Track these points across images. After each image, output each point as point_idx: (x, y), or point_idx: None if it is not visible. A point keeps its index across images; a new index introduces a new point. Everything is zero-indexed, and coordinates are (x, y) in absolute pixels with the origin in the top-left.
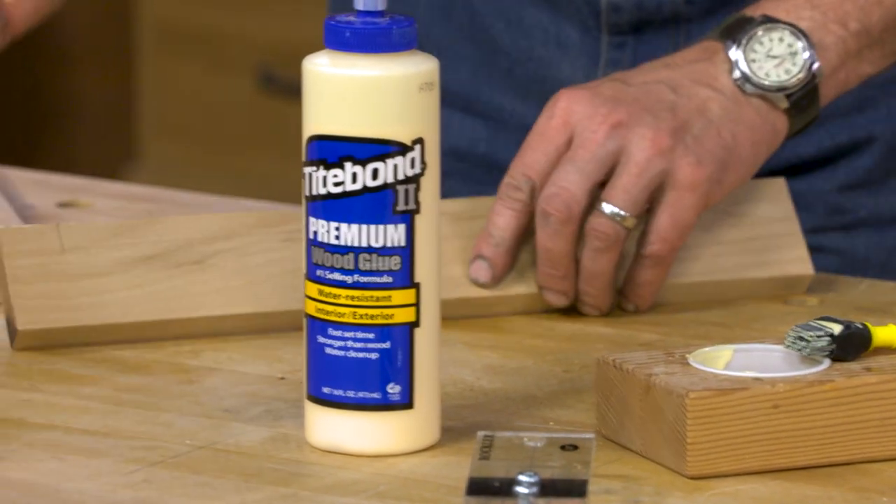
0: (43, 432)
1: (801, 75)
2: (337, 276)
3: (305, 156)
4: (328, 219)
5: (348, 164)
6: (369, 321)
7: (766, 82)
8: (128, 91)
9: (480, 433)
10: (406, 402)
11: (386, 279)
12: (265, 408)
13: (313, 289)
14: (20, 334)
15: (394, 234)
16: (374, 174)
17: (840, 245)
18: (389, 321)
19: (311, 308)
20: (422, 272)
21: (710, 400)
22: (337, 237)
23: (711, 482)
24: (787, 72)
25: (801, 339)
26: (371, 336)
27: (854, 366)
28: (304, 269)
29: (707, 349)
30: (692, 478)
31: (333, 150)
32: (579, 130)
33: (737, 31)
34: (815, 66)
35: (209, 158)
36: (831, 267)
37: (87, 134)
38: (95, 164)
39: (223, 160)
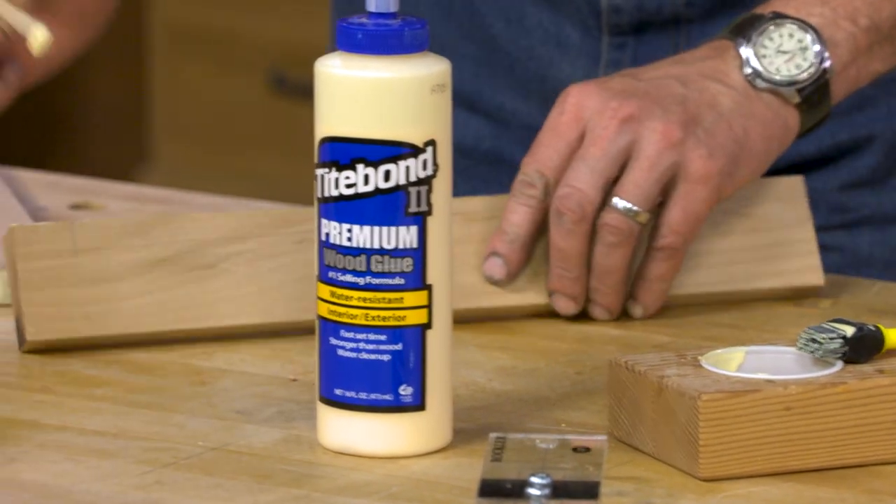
0: (55, 434)
1: (811, 70)
2: (349, 278)
3: (317, 157)
4: (340, 220)
5: (360, 166)
6: (381, 323)
7: (777, 77)
8: (140, 93)
9: (492, 435)
10: (418, 404)
11: (398, 281)
12: (277, 409)
13: (325, 290)
14: (29, 343)
15: (406, 236)
16: (387, 176)
17: (843, 243)
18: (401, 323)
19: (324, 310)
20: (434, 274)
21: (722, 402)
22: (349, 239)
23: (723, 484)
24: (797, 66)
25: (814, 341)
26: (383, 338)
27: (867, 368)
28: (315, 272)
29: (719, 351)
30: (704, 480)
31: (346, 152)
32: (591, 126)
33: (746, 29)
34: (827, 61)
35: (221, 160)
36: (834, 265)
37: (99, 136)
38: (108, 166)
39: (235, 162)
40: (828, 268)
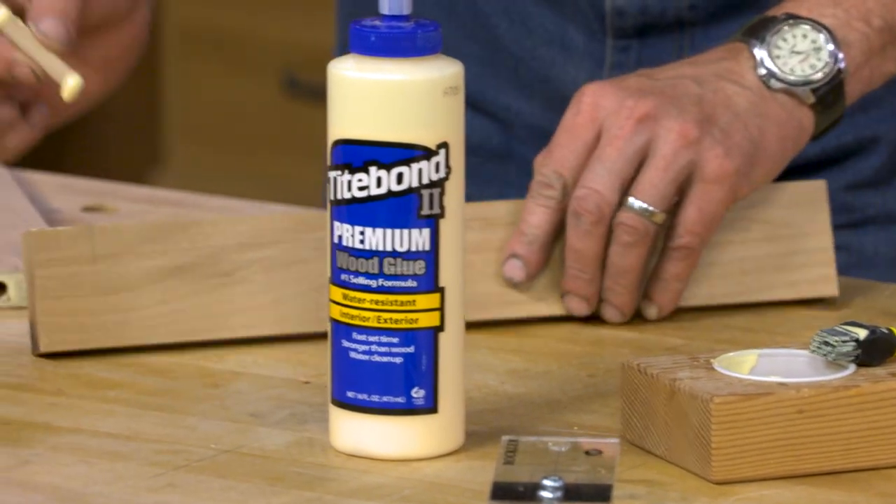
0: (68, 436)
1: (826, 69)
2: (361, 281)
3: (330, 160)
4: (353, 223)
5: (373, 169)
6: (394, 325)
7: (792, 77)
8: (153, 95)
9: (505, 438)
10: (430, 407)
11: (410, 283)
12: (290, 412)
13: (338, 293)
14: (42, 351)
15: (418, 239)
16: (399, 178)
17: (849, 242)
18: (414, 325)
19: (336, 312)
20: (446, 276)
21: (734, 405)
22: (361, 241)
23: (736, 487)
24: (812, 66)
25: (827, 343)
26: (395, 340)
27: (879, 371)
28: (328, 274)
29: (732, 354)
30: (717, 483)
31: (358, 155)
32: (607, 126)
33: (760, 30)
34: (841, 62)
35: (234, 162)
36: (840, 264)
37: (112, 138)
38: (121, 168)
39: (248, 164)
40: None
